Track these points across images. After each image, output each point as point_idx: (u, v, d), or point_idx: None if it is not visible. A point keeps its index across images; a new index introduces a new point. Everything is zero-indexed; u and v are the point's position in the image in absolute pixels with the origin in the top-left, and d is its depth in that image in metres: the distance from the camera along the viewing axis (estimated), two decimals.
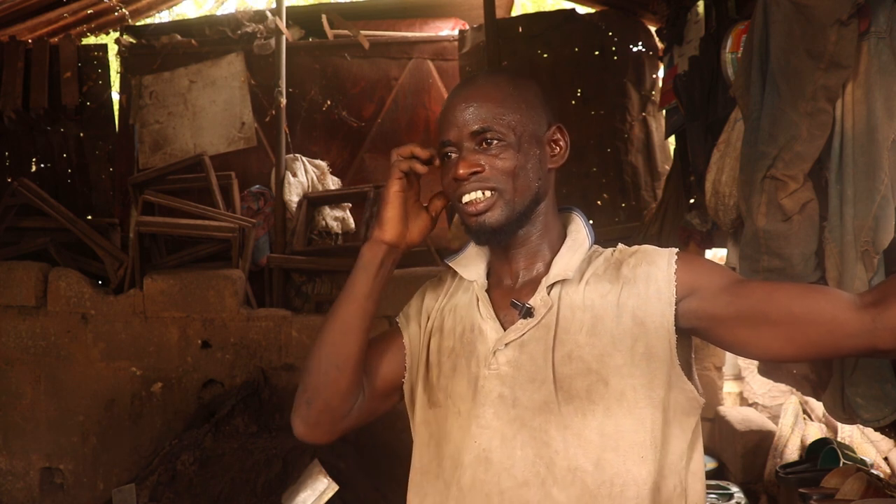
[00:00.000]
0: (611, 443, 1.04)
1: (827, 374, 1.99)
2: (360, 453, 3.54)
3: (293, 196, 4.53)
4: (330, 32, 4.90)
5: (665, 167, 4.30)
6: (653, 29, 4.40)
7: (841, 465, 2.81)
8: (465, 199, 1.12)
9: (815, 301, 1.04)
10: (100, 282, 4.32)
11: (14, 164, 4.86)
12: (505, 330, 1.13)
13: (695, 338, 1.15)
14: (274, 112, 4.64)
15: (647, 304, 1.08)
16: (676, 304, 1.08)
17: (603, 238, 1.23)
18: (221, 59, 4.83)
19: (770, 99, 1.85)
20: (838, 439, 3.22)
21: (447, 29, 5.06)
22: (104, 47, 5.11)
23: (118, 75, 4.99)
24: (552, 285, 1.13)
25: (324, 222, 4.58)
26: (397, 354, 1.23)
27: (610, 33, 4.52)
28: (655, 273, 1.10)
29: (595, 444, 1.04)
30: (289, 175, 4.55)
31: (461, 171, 1.11)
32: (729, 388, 3.98)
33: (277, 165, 4.58)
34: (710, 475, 3.41)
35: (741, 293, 1.08)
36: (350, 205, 4.73)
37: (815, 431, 3.40)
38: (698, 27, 3.13)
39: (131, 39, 5.00)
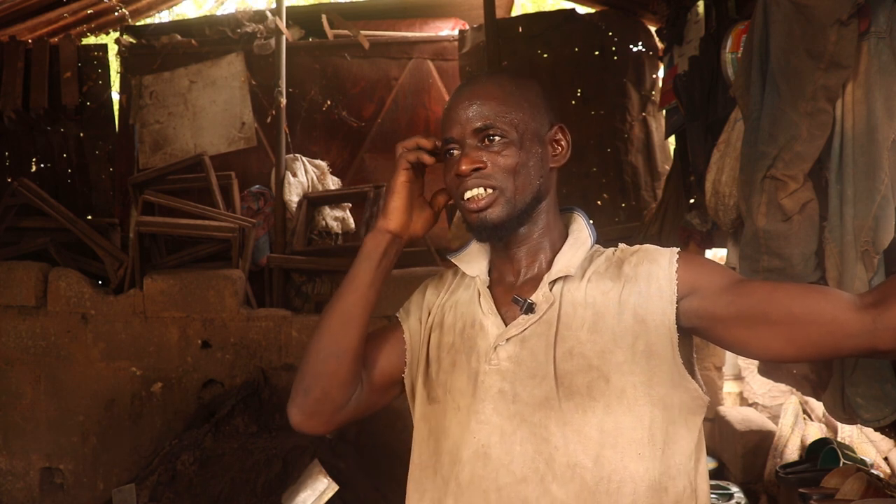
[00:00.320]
0: (610, 439, 1.04)
1: (827, 374, 1.99)
2: (360, 453, 3.54)
3: (293, 196, 4.53)
4: (330, 32, 4.90)
5: (665, 167, 4.30)
6: (653, 29, 4.40)
7: (841, 465, 2.81)
8: (467, 195, 1.13)
9: (815, 301, 1.04)
10: (100, 282, 4.33)
11: (14, 164, 4.86)
12: (506, 325, 1.13)
13: (695, 337, 1.15)
14: (274, 112, 4.64)
15: (649, 302, 1.09)
16: (677, 303, 1.08)
17: (603, 238, 1.23)
18: (221, 59, 4.84)
19: (770, 99, 1.85)
20: (838, 439, 3.22)
21: (447, 29, 5.06)
22: (104, 47, 5.11)
23: (118, 75, 5.00)
24: (554, 282, 1.13)
25: (324, 222, 4.58)
26: (397, 348, 1.23)
27: (610, 33, 4.52)
28: (657, 272, 1.11)
29: (595, 441, 1.04)
30: (289, 175, 4.55)
31: (463, 168, 1.11)
32: (729, 388, 3.98)
33: (277, 165, 4.58)
34: (710, 475, 3.39)
35: (742, 293, 1.08)
36: (350, 205, 4.73)
37: (815, 431, 3.40)
38: (698, 27, 3.13)
39: (131, 39, 5.00)
